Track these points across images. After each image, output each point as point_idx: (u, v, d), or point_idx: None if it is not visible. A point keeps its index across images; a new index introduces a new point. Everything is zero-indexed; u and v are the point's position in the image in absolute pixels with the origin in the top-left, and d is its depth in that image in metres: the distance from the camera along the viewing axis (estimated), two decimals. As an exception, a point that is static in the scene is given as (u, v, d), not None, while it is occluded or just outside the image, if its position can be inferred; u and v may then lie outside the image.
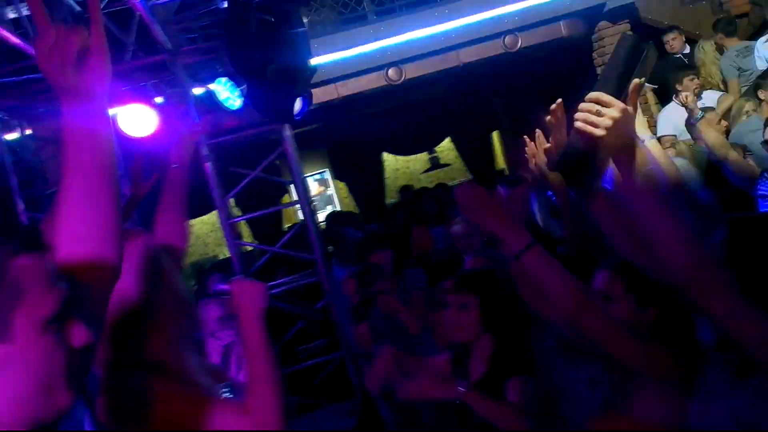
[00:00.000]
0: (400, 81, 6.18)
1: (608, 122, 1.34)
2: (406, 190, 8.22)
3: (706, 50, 5.96)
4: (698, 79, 5.48)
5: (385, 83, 6.19)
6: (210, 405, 1.43)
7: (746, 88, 5.75)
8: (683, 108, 5.49)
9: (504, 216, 1.66)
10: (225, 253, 7.83)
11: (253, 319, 1.55)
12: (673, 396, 1.59)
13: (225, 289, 1.62)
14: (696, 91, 5.26)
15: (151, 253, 1.46)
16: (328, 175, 10.80)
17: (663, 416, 1.61)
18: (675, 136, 5.39)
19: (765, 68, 5.58)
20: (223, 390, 1.60)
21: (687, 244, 1.33)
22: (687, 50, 6.19)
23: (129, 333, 1.40)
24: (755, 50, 5.77)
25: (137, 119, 4.00)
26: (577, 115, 1.39)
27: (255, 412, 1.44)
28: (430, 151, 10.94)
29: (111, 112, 4.31)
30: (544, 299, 1.70)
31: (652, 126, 5.72)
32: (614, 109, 1.35)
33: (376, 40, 6.04)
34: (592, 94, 1.38)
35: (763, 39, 5.74)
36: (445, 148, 11.02)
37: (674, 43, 6.13)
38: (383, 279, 3.45)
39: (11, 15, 3.37)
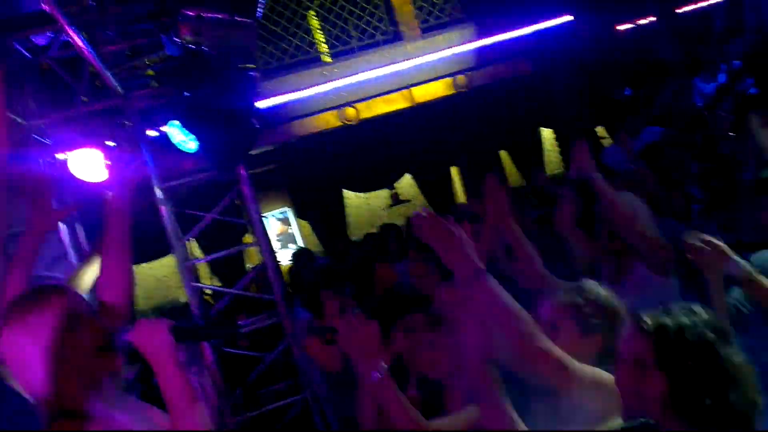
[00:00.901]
0: (356, 120, 6.28)
1: None
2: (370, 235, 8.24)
3: None
4: None
5: (341, 123, 6.28)
6: None
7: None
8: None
9: (456, 243, 1.70)
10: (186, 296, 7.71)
11: (163, 361, 1.48)
12: None
13: (127, 341, 1.52)
14: None
15: (65, 311, 1.46)
16: (290, 214, 10.78)
17: None
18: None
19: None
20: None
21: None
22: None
23: (51, 386, 1.40)
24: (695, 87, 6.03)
25: (89, 164, 3.97)
26: None
27: None
28: (390, 187, 11.03)
29: (62, 157, 4.29)
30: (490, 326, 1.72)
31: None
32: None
33: (331, 80, 6.15)
34: None
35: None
36: (406, 184, 11.13)
37: None
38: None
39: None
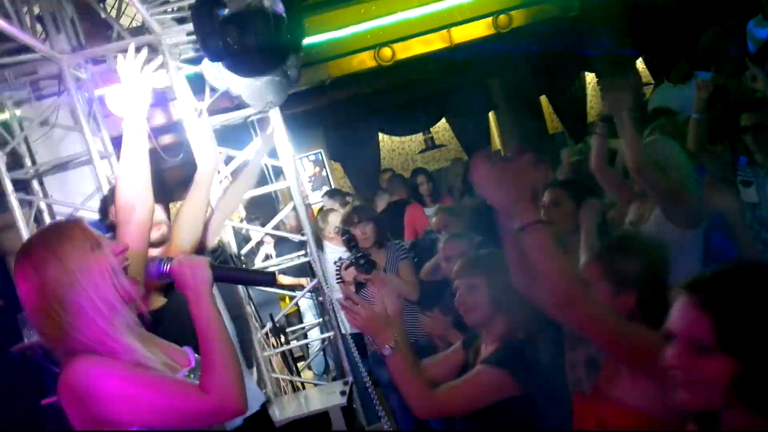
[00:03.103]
0: (391, 61, 6.16)
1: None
2: (386, 173, 8.17)
3: None
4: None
5: (377, 63, 6.16)
6: (165, 386, 1.44)
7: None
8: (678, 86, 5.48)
9: (518, 189, 1.63)
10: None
11: (200, 297, 1.52)
12: (653, 382, 1.54)
13: (167, 271, 1.57)
14: None
15: (76, 247, 1.48)
16: (323, 156, 10.79)
17: (643, 401, 1.61)
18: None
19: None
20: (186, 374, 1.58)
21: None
22: None
23: (73, 325, 1.42)
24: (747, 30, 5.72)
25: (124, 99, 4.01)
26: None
27: (212, 392, 1.43)
28: (425, 131, 10.91)
29: (99, 92, 4.30)
30: (535, 280, 1.67)
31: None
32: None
33: (367, 19, 6.01)
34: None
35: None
36: (441, 128, 10.98)
37: None
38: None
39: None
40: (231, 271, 2.10)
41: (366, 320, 2.03)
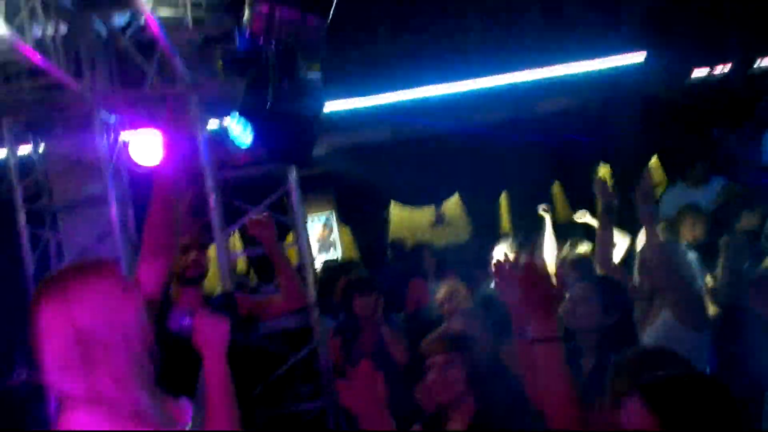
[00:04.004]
0: (411, 134, 6.28)
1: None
2: (396, 243, 8.20)
3: None
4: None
5: (395, 135, 6.28)
6: None
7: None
8: (690, 189, 5.55)
9: (547, 300, 1.67)
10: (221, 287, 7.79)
11: (215, 355, 1.52)
12: None
13: (188, 324, 1.57)
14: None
15: (112, 288, 1.46)
16: (333, 220, 10.83)
17: None
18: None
19: None
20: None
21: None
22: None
23: (80, 368, 1.39)
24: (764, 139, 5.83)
25: (148, 147, 4.07)
26: None
27: None
28: (437, 205, 10.97)
29: (124, 137, 4.39)
30: (537, 388, 1.73)
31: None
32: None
33: (389, 91, 6.16)
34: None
35: None
36: (453, 204, 11.05)
37: None
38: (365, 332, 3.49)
39: (37, 33, 3.47)
40: (248, 340, 2.09)
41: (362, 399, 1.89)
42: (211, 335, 1.53)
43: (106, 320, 1.41)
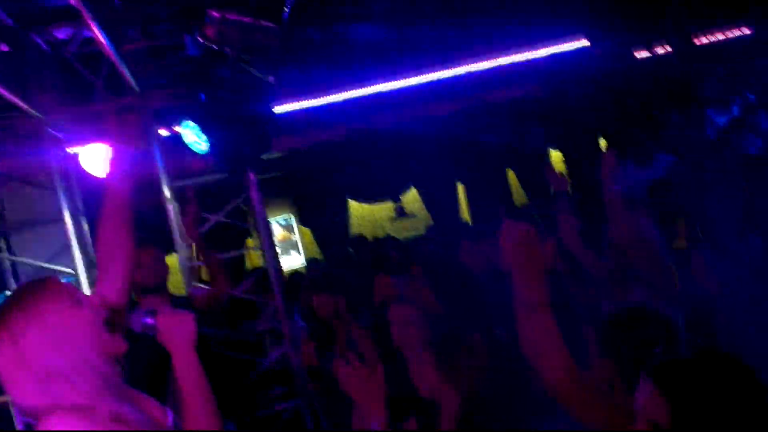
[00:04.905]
0: (365, 131, 6.32)
1: None
2: (360, 240, 8.24)
3: None
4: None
5: (350, 133, 6.31)
6: None
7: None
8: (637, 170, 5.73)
9: (540, 268, 1.67)
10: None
11: (184, 351, 1.49)
12: None
13: (151, 324, 1.53)
14: None
15: (57, 306, 1.45)
16: (293, 221, 10.80)
17: None
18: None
19: None
20: None
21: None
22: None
23: (53, 388, 1.39)
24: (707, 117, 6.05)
25: (99, 159, 4.01)
26: None
27: None
28: (396, 199, 11.05)
29: (74, 150, 4.30)
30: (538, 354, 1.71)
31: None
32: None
33: (341, 90, 6.19)
34: None
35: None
36: (411, 197, 11.14)
37: None
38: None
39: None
40: (217, 330, 2.07)
41: (362, 385, 1.95)
42: (177, 331, 1.49)
43: (55, 340, 1.39)
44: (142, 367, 1.56)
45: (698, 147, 6.03)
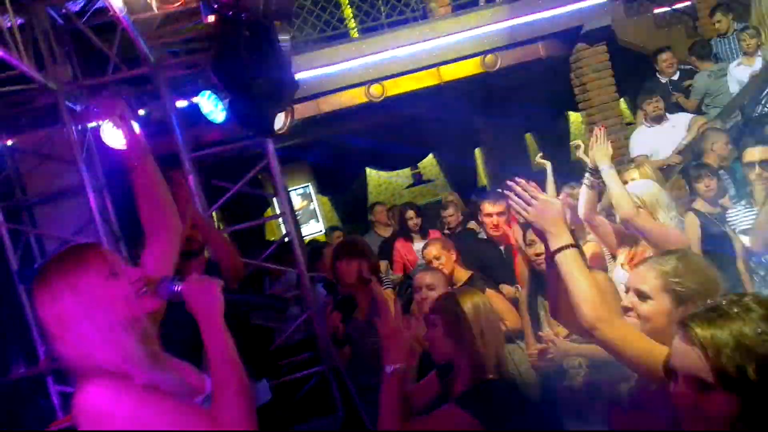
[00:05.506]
0: (382, 98, 6.25)
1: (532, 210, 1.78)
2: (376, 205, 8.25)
3: None
4: (660, 102, 5.60)
5: (367, 99, 6.25)
6: (176, 413, 1.40)
7: (717, 109, 5.91)
8: (654, 128, 5.64)
9: (556, 214, 1.77)
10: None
11: (211, 319, 1.48)
12: None
13: (178, 291, 1.52)
14: (655, 113, 5.46)
15: (103, 262, 1.48)
16: (311, 190, 10.84)
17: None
18: (647, 156, 5.51)
19: (737, 90, 5.73)
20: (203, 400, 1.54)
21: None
22: (677, 76, 6.32)
23: (89, 352, 1.42)
24: (728, 72, 5.92)
25: (119, 133, 4.02)
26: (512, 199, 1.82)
27: (222, 425, 1.39)
28: (413, 167, 11.02)
29: (94, 124, 4.31)
30: (569, 303, 1.74)
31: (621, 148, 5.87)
32: (538, 200, 1.77)
33: (358, 57, 6.11)
34: (523, 183, 1.81)
35: (735, 62, 5.91)
36: (428, 164, 11.11)
37: (666, 65, 6.26)
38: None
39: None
40: (244, 295, 2.07)
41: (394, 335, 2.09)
42: (202, 299, 1.49)
43: (88, 309, 1.42)
44: (180, 333, 1.56)
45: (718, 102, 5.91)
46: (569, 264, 1.72)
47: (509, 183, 1.85)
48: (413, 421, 2.11)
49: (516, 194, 1.81)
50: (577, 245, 1.77)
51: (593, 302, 1.68)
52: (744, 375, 1.17)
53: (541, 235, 1.80)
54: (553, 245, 1.75)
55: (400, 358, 2.06)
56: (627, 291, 1.84)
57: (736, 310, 1.24)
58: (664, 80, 6.32)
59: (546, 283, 2.00)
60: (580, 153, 3.65)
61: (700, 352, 1.21)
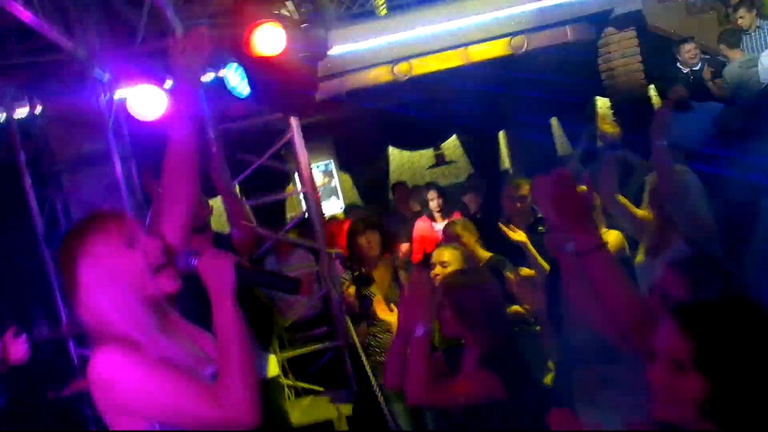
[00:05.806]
0: (407, 77, 6.22)
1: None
2: (400, 186, 8.25)
3: None
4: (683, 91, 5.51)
5: (392, 78, 6.22)
6: (183, 389, 1.43)
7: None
8: (681, 116, 5.55)
9: (583, 210, 1.64)
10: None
11: (222, 296, 1.48)
12: None
13: (195, 265, 1.53)
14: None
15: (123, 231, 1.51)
16: (332, 167, 10.85)
17: None
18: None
19: None
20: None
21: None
22: (698, 66, 6.19)
23: (104, 317, 1.46)
24: (759, 62, 5.79)
25: (147, 102, 4.05)
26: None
27: (226, 404, 1.41)
28: (436, 147, 10.97)
29: (121, 95, 4.35)
30: (594, 302, 1.68)
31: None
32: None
33: (385, 34, 6.07)
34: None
35: (766, 52, 5.77)
36: (451, 145, 11.04)
37: (689, 55, 6.14)
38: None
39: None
40: (257, 274, 2.10)
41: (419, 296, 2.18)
42: (215, 275, 1.49)
43: (102, 277, 1.46)
44: (200, 302, 1.59)
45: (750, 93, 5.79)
46: (600, 266, 1.60)
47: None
48: (442, 383, 2.20)
49: None
50: (605, 246, 1.63)
51: (633, 309, 1.59)
52: (719, 361, 1.24)
53: (564, 230, 1.70)
54: (582, 245, 1.62)
55: (428, 319, 2.14)
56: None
57: (725, 303, 1.32)
58: (685, 70, 6.21)
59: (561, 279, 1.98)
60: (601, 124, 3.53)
61: (684, 336, 1.28)
